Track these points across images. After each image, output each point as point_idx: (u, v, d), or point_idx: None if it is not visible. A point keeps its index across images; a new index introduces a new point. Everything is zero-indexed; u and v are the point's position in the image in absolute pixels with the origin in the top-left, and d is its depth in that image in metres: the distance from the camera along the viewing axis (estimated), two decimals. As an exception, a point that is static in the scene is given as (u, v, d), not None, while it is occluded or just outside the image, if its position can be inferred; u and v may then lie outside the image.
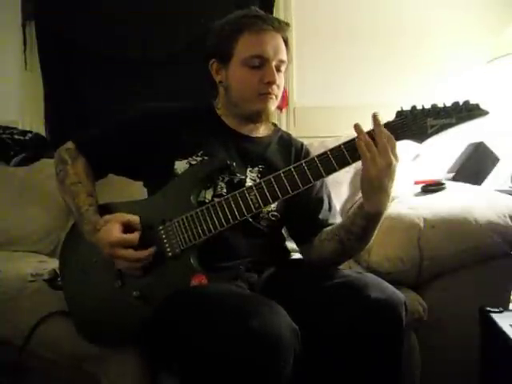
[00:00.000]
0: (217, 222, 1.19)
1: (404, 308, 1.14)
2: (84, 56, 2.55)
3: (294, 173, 1.16)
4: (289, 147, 1.44)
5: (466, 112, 1.11)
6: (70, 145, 1.39)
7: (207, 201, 1.27)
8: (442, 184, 1.76)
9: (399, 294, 1.16)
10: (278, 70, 1.31)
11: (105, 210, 1.30)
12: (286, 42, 1.32)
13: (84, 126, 2.45)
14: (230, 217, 1.19)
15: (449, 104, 1.12)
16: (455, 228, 1.49)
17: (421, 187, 1.79)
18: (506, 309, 1.25)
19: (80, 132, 1.43)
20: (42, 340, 1.32)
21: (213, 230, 1.20)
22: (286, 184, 1.16)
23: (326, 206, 1.39)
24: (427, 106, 1.13)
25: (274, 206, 1.32)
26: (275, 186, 1.17)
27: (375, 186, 1.12)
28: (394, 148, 1.10)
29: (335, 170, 1.15)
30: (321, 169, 1.15)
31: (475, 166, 2.07)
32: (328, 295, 1.16)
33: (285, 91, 2.00)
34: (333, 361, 1.13)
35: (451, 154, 2.22)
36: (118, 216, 1.23)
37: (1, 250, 1.99)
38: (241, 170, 1.32)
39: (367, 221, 1.19)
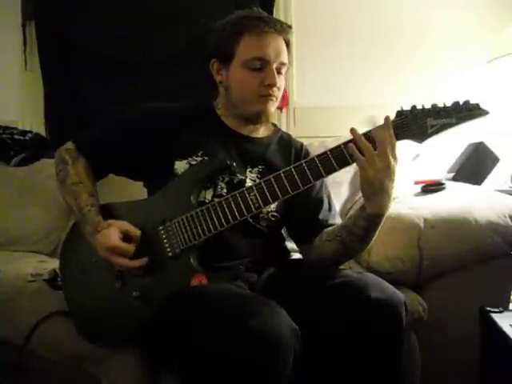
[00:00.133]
0: (217, 222, 1.19)
1: (404, 308, 1.14)
2: (84, 56, 2.55)
3: (294, 173, 1.16)
4: (289, 147, 1.44)
5: (466, 112, 1.11)
6: (70, 145, 1.39)
7: (207, 201, 1.27)
8: (442, 184, 1.76)
9: (399, 294, 1.15)
10: (279, 72, 1.31)
11: (105, 210, 1.30)
12: (287, 44, 1.32)
13: (84, 126, 2.45)
14: (229, 217, 1.19)
15: (449, 104, 1.12)
16: (455, 228, 1.49)
17: (421, 187, 1.79)
18: (506, 309, 1.25)
19: (80, 132, 1.43)
20: (41, 340, 1.32)
21: (213, 230, 1.20)
22: (286, 184, 1.16)
23: (325, 206, 1.38)
24: (427, 105, 1.13)
25: (273, 206, 1.32)
26: (275, 186, 1.17)
27: (376, 187, 1.12)
28: (393, 148, 1.10)
29: (335, 170, 1.15)
30: (321, 169, 1.15)
31: (475, 166, 2.07)
32: (328, 295, 1.16)
33: (285, 91, 2.00)
34: (333, 361, 1.13)
35: (451, 154, 2.22)
36: (121, 223, 1.23)
37: (1, 250, 1.99)
38: (241, 171, 1.32)
39: (369, 222, 1.19)
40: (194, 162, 1.30)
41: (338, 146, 1.15)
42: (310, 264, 1.36)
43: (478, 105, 1.11)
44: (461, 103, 1.12)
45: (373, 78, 2.46)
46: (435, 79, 2.40)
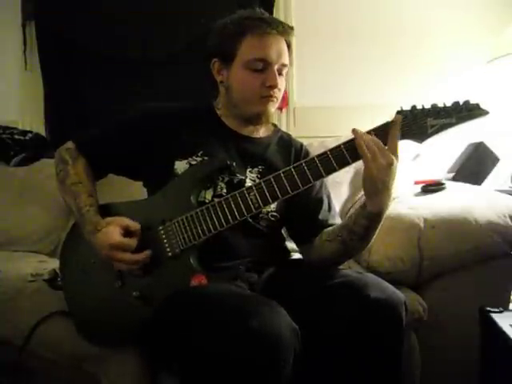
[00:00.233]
0: (216, 222, 1.19)
1: (404, 308, 1.14)
2: (84, 56, 2.55)
3: (294, 173, 1.16)
4: (288, 148, 1.44)
5: (466, 112, 1.11)
6: (70, 145, 1.39)
7: (207, 201, 1.27)
8: (442, 184, 1.76)
9: (399, 294, 1.15)
10: (280, 73, 1.31)
11: (105, 210, 1.30)
12: (288, 45, 1.32)
13: (84, 126, 2.45)
14: (229, 217, 1.19)
15: (449, 104, 1.12)
16: (455, 228, 1.49)
17: (421, 187, 1.79)
18: (506, 309, 1.25)
19: (80, 132, 1.43)
20: (42, 340, 1.31)
21: (212, 230, 1.20)
22: (286, 184, 1.16)
23: (325, 206, 1.38)
24: (427, 105, 1.13)
25: (273, 206, 1.32)
26: (275, 186, 1.17)
27: (378, 185, 1.12)
28: (396, 148, 1.11)
29: (335, 170, 1.15)
30: (321, 169, 1.15)
31: (475, 166, 2.07)
32: (328, 295, 1.16)
33: (285, 91, 2.00)
34: (333, 360, 1.13)
35: (451, 154, 2.22)
36: (119, 220, 1.23)
37: (1, 249, 1.98)
38: (241, 171, 1.32)
39: (369, 220, 1.19)
40: (193, 162, 1.30)
41: (338, 146, 1.15)
42: (310, 264, 1.36)
43: (477, 105, 1.11)
44: (461, 103, 1.12)
45: (373, 78, 2.46)
46: (435, 79, 2.40)
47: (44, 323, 1.32)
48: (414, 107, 1.13)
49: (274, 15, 2.42)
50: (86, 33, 2.53)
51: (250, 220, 1.27)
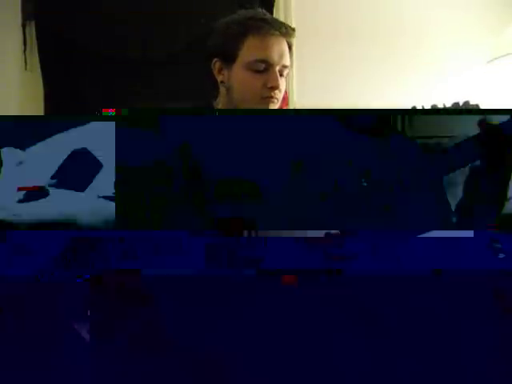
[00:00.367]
0: (217, 222, 1.19)
1: None
2: (84, 56, 2.54)
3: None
4: (289, 147, 1.44)
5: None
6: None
7: (207, 201, 1.27)
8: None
9: None
10: (281, 74, 1.31)
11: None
12: (290, 47, 1.32)
13: (84, 126, 2.45)
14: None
15: (448, 105, 1.12)
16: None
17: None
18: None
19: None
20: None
21: (213, 230, 1.20)
22: (286, 184, 1.16)
23: None
24: (427, 106, 1.13)
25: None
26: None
27: None
28: None
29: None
30: (321, 169, 1.15)
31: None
32: None
33: (285, 92, 2.00)
34: None
35: (451, 154, 2.22)
36: None
37: (1, 249, 1.99)
38: (241, 171, 1.32)
39: None
40: (194, 162, 1.30)
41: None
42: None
43: (477, 106, 1.11)
44: (461, 104, 1.12)
45: (373, 78, 2.46)
46: (435, 79, 2.40)
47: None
48: (413, 108, 1.13)
49: (274, 15, 2.41)
50: (86, 33, 2.52)
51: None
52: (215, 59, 1.34)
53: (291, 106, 2.52)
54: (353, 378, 1.03)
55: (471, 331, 1.03)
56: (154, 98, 1.47)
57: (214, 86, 1.40)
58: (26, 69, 2.56)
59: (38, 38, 2.56)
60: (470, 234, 1.08)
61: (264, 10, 1.38)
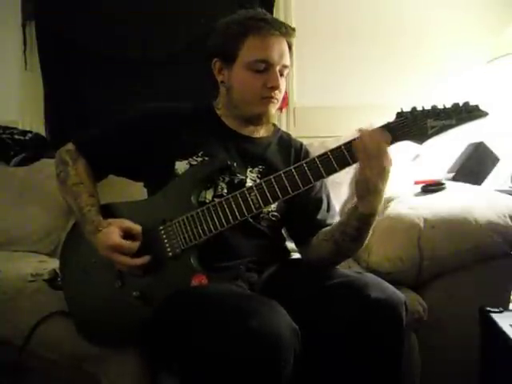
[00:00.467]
0: (217, 222, 1.19)
1: (404, 308, 1.14)
2: (84, 56, 2.55)
3: (295, 173, 1.16)
4: (288, 148, 1.44)
5: (465, 113, 1.11)
6: (70, 146, 1.39)
7: (208, 201, 1.27)
8: (442, 184, 1.76)
9: (399, 294, 1.16)
10: (281, 74, 1.31)
11: (105, 210, 1.30)
12: (290, 47, 1.32)
13: (84, 126, 2.45)
14: (230, 217, 1.19)
15: (449, 105, 1.12)
16: (455, 228, 1.49)
17: (421, 187, 1.79)
18: (506, 309, 1.25)
19: (80, 133, 1.43)
20: (42, 340, 1.32)
21: (213, 230, 1.20)
22: (287, 184, 1.16)
23: (324, 206, 1.39)
24: (427, 107, 1.13)
25: (274, 206, 1.32)
26: (276, 186, 1.17)
27: (370, 187, 1.13)
28: (386, 152, 1.11)
29: (336, 171, 1.16)
30: (321, 169, 1.15)
31: (475, 166, 2.07)
32: (327, 295, 1.16)
33: (285, 92, 2.00)
34: (332, 360, 1.13)
35: (451, 154, 2.22)
36: (120, 221, 1.23)
37: (1, 250, 1.99)
38: (241, 171, 1.32)
39: (361, 222, 1.20)
40: (194, 163, 1.30)
41: (339, 147, 1.15)
42: (309, 263, 1.36)
43: (477, 106, 1.11)
44: (461, 104, 1.12)
45: (373, 78, 2.46)
46: (435, 79, 2.40)
47: (44, 323, 1.32)
48: (414, 108, 1.13)
49: (274, 15, 2.42)
50: (86, 33, 2.53)
51: (251, 220, 1.28)
52: (215, 59, 1.34)
53: (291, 106, 2.53)
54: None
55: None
56: (154, 98, 1.46)
57: (214, 86, 1.40)
58: (26, 69, 2.57)
59: (38, 38, 2.57)
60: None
61: (264, 10, 1.38)
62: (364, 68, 2.47)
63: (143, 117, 1.37)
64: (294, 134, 1.54)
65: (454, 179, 2.02)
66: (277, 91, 1.30)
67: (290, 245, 1.47)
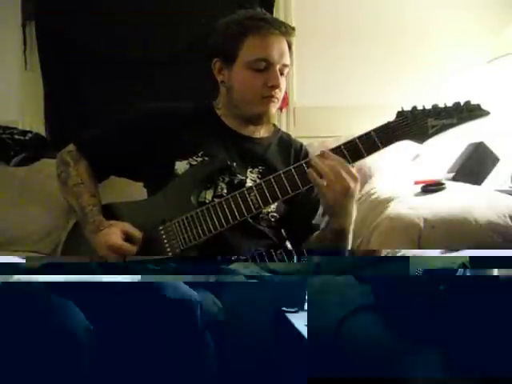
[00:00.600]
0: (217, 223, 1.19)
1: None
2: (84, 56, 2.55)
3: (295, 173, 1.16)
4: (288, 148, 1.44)
5: (466, 112, 1.11)
6: (71, 147, 1.39)
7: (207, 201, 1.27)
8: (442, 184, 1.76)
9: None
10: (281, 73, 1.31)
11: (106, 210, 1.30)
12: (289, 46, 1.32)
13: (84, 126, 2.46)
14: (229, 217, 1.19)
15: (450, 104, 1.12)
16: (455, 228, 1.49)
17: (421, 187, 1.79)
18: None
19: (81, 133, 1.43)
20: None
21: (213, 230, 1.20)
22: (286, 184, 1.16)
23: (321, 210, 1.39)
24: (428, 106, 1.13)
25: (273, 206, 1.32)
26: (275, 186, 1.17)
27: (335, 209, 1.14)
28: (348, 171, 1.10)
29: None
30: (321, 169, 1.15)
31: (475, 166, 2.06)
32: None
33: (285, 91, 2.00)
34: None
35: (451, 154, 2.22)
36: (123, 224, 1.23)
37: (1, 249, 1.99)
38: (241, 171, 1.32)
39: (335, 235, 1.22)
40: (194, 163, 1.30)
41: (338, 147, 1.15)
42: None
43: (478, 105, 1.11)
44: (462, 104, 1.12)
45: (373, 78, 2.46)
46: (436, 79, 2.40)
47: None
48: (414, 108, 1.13)
49: (274, 15, 2.41)
50: (86, 33, 2.53)
51: (250, 220, 1.27)
52: (215, 59, 1.34)
53: (291, 106, 2.53)
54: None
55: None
56: (155, 98, 1.46)
57: (215, 86, 1.40)
58: (25, 69, 2.57)
59: (38, 38, 2.57)
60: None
61: (264, 10, 1.38)
62: (364, 68, 2.47)
63: (144, 117, 1.37)
64: (293, 134, 1.54)
65: (454, 179, 2.02)
66: (277, 90, 1.30)
67: (290, 245, 1.47)
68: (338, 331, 0.93)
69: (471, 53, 2.39)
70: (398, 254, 1.36)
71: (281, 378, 1.20)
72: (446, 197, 1.68)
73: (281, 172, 1.17)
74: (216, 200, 1.23)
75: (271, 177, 1.18)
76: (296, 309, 1.23)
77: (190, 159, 1.30)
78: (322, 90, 2.50)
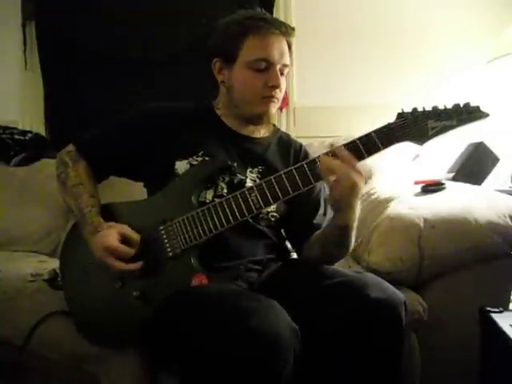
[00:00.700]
0: (217, 222, 1.19)
1: (404, 308, 1.14)
2: (84, 56, 2.55)
3: (295, 174, 1.16)
4: (288, 148, 1.44)
5: (466, 114, 1.11)
6: (70, 148, 1.39)
7: (208, 201, 1.27)
8: (442, 184, 1.76)
9: (399, 294, 1.16)
10: (282, 73, 1.31)
11: (105, 209, 1.30)
12: (289, 46, 1.32)
13: (84, 126, 2.46)
14: (230, 217, 1.19)
15: (449, 106, 1.12)
16: (455, 228, 1.49)
17: (421, 187, 1.79)
18: (506, 309, 1.26)
19: (80, 134, 1.43)
20: (42, 340, 1.31)
21: (213, 230, 1.20)
22: (287, 185, 1.16)
23: (321, 210, 1.39)
24: (428, 107, 1.13)
25: (273, 206, 1.32)
26: (276, 186, 1.17)
27: (341, 205, 1.15)
28: (356, 168, 1.11)
29: (336, 171, 1.16)
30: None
31: (475, 166, 2.07)
32: (327, 294, 1.16)
33: (285, 91, 2.01)
34: (332, 360, 1.13)
35: (451, 154, 2.22)
36: (121, 227, 1.23)
37: (1, 250, 1.99)
38: (241, 171, 1.32)
39: (339, 232, 1.22)
40: (194, 162, 1.30)
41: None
42: (308, 263, 1.36)
43: (478, 107, 1.11)
44: (461, 105, 1.12)
45: (373, 78, 2.46)
46: (436, 79, 2.40)
47: (44, 323, 1.32)
48: (414, 109, 1.13)
49: (274, 15, 2.42)
50: (86, 33, 2.53)
51: (251, 220, 1.27)
52: (215, 59, 1.34)
53: (291, 106, 2.53)
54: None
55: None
56: (155, 98, 1.46)
57: (215, 86, 1.40)
58: (26, 69, 2.57)
59: (38, 38, 2.57)
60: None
61: (264, 10, 1.38)
62: (364, 68, 2.47)
63: (144, 117, 1.37)
64: (293, 134, 1.55)
65: (454, 179, 2.02)
66: (277, 90, 1.30)
67: (290, 245, 1.47)
68: None
69: (471, 53, 2.39)
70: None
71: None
72: (446, 197, 1.68)
73: (282, 172, 1.17)
74: (216, 200, 1.23)
75: (272, 177, 1.18)
76: (500, 309, 1.24)
77: (190, 159, 1.30)
78: (322, 90, 2.50)
